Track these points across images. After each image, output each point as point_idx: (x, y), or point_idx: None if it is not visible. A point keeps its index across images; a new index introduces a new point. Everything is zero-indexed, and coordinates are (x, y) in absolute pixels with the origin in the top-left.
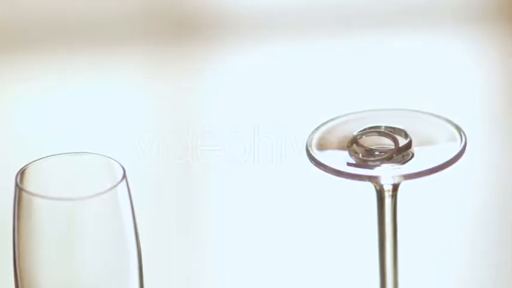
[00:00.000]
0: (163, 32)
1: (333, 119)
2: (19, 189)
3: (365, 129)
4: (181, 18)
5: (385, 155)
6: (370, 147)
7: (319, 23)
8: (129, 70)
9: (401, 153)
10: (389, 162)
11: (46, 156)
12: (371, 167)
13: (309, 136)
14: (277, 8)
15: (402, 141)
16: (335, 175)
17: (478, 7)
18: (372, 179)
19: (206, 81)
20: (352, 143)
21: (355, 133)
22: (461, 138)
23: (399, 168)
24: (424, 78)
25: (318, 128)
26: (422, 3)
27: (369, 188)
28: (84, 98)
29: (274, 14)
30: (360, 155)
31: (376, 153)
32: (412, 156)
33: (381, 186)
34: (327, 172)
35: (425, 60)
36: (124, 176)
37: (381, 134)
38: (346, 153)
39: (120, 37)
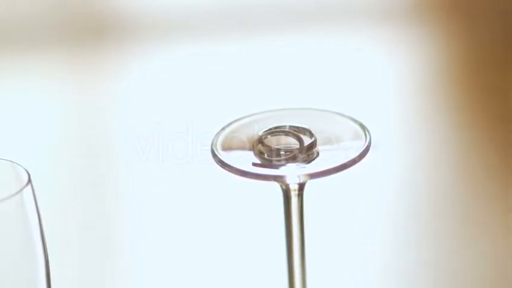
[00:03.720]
0: (80, 34)
1: (237, 120)
2: None
3: (270, 129)
4: (97, 20)
5: (290, 155)
6: (275, 147)
7: (232, 24)
8: (44, 73)
9: (307, 153)
10: (295, 162)
11: None
12: (276, 167)
13: (214, 137)
14: (192, 9)
15: (307, 141)
16: (240, 175)
17: (389, 7)
18: (278, 178)
19: (124, 82)
20: (257, 143)
21: (260, 133)
22: (366, 136)
23: (304, 167)
24: (334, 77)
25: (223, 128)
26: (333, 2)
27: (275, 188)
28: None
29: (189, 15)
30: (265, 155)
31: (281, 152)
32: (317, 155)
33: (287, 186)
34: (232, 173)
35: (334, 60)
36: (29, 181)
37: (285, 133)
38: (251, 153)
39: (37, 39)
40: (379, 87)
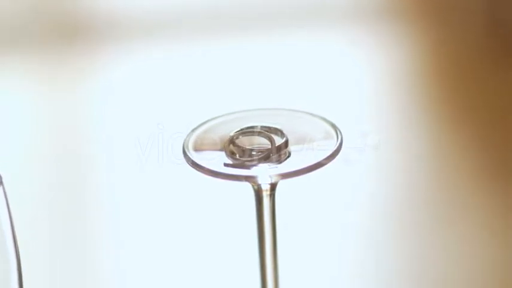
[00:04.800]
0: (48, 37)
1: (209, 120)
2: None
3: (241, 130)
4: (68, 21)
5: (262, 155)
6: (247, 147)
7: (205, 25)
8: (22, 74)
9: (278, 153)
10: (266, 162)
11: None
12: (248, 167)
13: (186, 137)
14: (167, 9)
15: (278, 141)
16: (212, 176)
17: (364, 7)
18: (249, 179)
19: (106, 82)
20: (229, 144)
21: (231, 133)
22: (337, 136)
23: (276, 167)
24: (309, 77)
25: (194, 129)
26: (306, 2)
27: (247, 188)
28: None
29: (164, 15)
30: (237, 156)
31: (253, 153)
32: (289, 155)
33: (259, 186)
34: (204, 173)
35: (309, 60)
36: (1, 182)
37: (257, 133)
38: (223, 154)
39: (15, 39)
40: (355, 87)
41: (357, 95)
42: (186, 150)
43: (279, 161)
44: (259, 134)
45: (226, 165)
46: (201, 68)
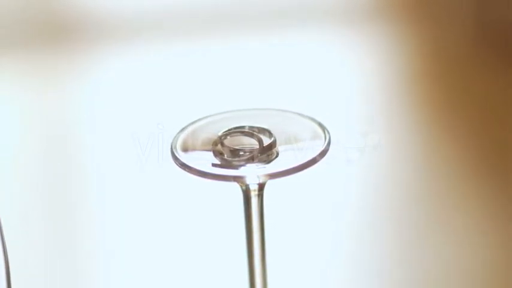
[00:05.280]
0: (37, 37)
1: (197, 120)
2: None
3: (229, 130)
4: (56, 22)
5: (250, 155)
6: (235, 147)
7: (193, 25)
8: (9, 74)
9: (266, 153)
10: (254, 162)
11: None
12: (236, 167)
13: (174, 137)
14: (163, 8)
15: (266, 141)
16: (200, 176)
17: (353, 8)
18: (237, 179)
19: (85, 86)
20: (217, 144)
21: (219, 134)
22: (325, 136)
23: (264, 167)
24: (299, 78)
25: (183, 129)
26: (297, 3)
27: (236, 189)
28: None
29: (151, 15)
30: (225, 156)
31: (241, 153)
32: (277, 155)
33: (247, 186)
34: (192, 173)
35: (300, 60)
36: None
37: (245, 134)
38: (211, 154)
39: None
40: (348, 87)
41: (350, 95)
42: (174, 150)
43: (267, 161)
44: (247, 134)
45: (214, 165)
46: (195, 67)
